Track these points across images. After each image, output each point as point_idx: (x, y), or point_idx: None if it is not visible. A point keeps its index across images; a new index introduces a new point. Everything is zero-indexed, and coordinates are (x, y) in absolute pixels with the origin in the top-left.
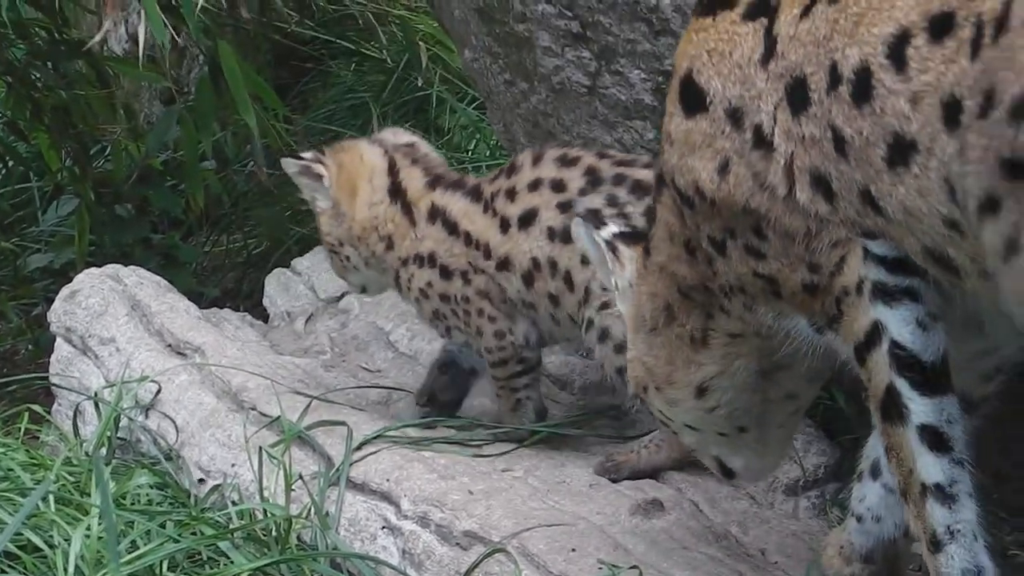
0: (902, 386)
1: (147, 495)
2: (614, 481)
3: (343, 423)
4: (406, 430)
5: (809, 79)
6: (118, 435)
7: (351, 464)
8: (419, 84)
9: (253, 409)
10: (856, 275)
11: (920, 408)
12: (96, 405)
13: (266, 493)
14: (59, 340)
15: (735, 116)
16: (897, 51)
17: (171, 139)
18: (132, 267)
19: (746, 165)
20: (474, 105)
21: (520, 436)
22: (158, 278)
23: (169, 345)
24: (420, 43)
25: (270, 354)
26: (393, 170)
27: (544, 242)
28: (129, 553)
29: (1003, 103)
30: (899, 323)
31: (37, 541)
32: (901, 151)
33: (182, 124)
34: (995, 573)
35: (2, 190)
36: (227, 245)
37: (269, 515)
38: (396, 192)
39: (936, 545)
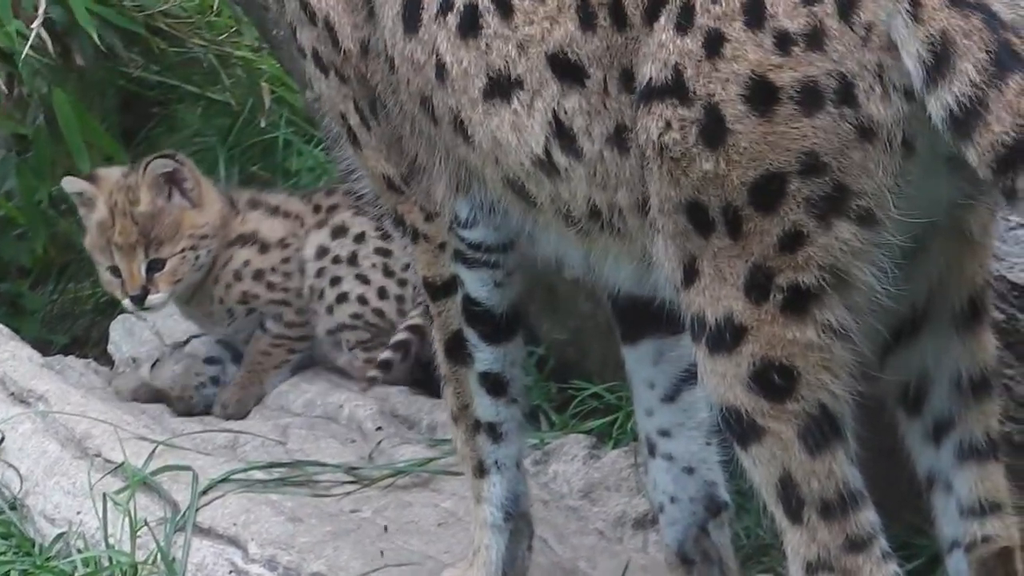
0: (470, 335)
1: None
2: None
3: (188, 468)
4: (253, 473)
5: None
6: None
7: (197, 509)
8: (263, 126)
9: (98, 456)
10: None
11: (485, 357)
12: None
13: (112, 540)
14: None
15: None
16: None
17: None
18: None
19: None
20: (320, 147)
21: (368, 476)
22: (0, 326)
23: (12, 393)
24: (264, 84)
25: (114, 400)
26: None
27: None
28: None
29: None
30: (476, 283)
31: None
32: (501, 86)
33: (20, 173)
34: (527, 498)
35: None
36: (75, 293)
37: (115, 562)
38: None
39: (481, 472)
